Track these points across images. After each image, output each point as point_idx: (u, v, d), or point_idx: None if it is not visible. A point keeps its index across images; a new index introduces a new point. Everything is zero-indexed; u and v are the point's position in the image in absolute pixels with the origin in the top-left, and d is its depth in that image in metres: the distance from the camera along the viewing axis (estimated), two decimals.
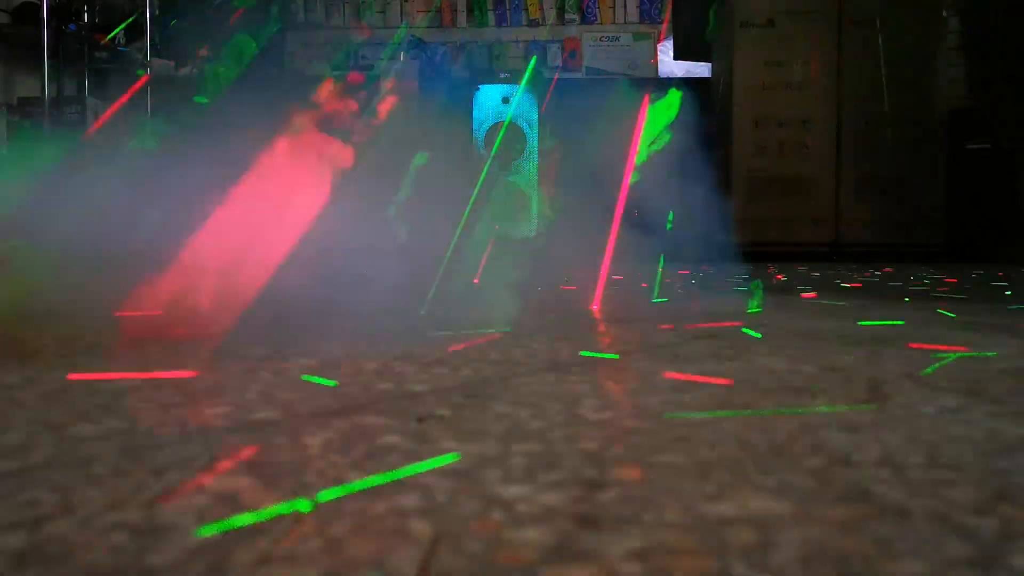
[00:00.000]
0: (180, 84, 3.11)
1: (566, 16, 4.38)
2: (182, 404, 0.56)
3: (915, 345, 0.86)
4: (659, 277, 1.47)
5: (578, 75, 4.32)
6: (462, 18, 4.43)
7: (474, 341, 0.85)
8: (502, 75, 3.16)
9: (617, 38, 4.35)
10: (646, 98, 1.22)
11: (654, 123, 1.21)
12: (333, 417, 0.52)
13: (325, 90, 1.18)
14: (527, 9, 4.41)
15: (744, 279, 1.91)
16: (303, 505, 0.36)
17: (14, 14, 2.99)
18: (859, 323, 1.06)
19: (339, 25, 4.42)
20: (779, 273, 2.28)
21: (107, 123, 2.71)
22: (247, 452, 0.44)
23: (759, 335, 0.93)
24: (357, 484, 0.39)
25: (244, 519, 0.34)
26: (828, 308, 1.27)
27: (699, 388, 0.63)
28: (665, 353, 0.79)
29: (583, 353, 0.78)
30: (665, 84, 2.39)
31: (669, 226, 1.62)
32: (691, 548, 0.32)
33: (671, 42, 4.08)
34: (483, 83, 3.06)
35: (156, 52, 3.29)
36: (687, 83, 3.05)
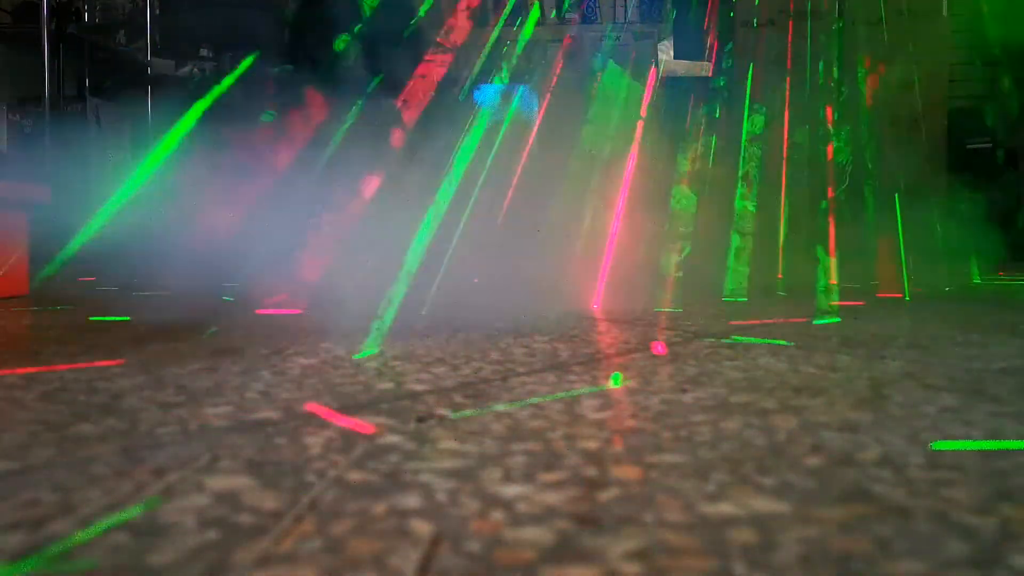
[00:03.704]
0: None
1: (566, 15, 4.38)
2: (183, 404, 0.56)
3: None
4: None
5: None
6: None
7: None
8: (501, 74, 3.15)
9: (617, 37, 4.35)
10: None
11: None
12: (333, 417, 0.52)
13: None
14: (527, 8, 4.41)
15: None
16: None
17: (14, 14, 2.99)
18: None
19: None
20: None
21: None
22: (247, 452, 0.44)
23: None
24: None
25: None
26: None
27: None
28: None
29: None
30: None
31: None
32: (691, 548, 0.32)
33: (671, 41, 4.07)
34: (482, 82, 3.05)
35: (156, 52, 3.28)
36: None
